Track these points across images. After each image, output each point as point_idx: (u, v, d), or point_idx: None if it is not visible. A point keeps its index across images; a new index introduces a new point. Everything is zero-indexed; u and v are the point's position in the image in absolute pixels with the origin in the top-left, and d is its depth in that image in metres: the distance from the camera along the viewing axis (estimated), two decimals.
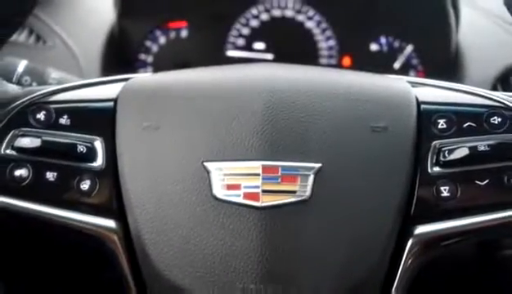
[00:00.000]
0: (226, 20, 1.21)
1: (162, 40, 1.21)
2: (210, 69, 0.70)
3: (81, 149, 0.63)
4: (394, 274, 0.60)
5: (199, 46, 1.21)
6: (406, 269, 0.61)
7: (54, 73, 0.86)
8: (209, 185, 0.59)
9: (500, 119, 0.63)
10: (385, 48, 1.20)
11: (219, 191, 0.59)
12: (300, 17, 1.21)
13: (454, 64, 1.15)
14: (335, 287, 0.59)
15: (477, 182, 0.61)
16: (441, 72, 1.10)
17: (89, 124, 0.64)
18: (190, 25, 1.21)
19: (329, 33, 1.20)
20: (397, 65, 1.20)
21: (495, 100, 0.65)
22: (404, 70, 1.19)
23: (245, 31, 1.21)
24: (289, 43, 1.21)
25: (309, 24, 1.21)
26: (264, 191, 0.59)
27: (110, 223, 0.62)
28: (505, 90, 1.08)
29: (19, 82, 0.82)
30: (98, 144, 0.64)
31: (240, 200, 0.59)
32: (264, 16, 1.21)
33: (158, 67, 1.21)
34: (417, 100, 0.65)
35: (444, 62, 1.16)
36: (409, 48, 1.19)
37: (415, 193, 0.61)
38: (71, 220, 0.62)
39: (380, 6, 1.18)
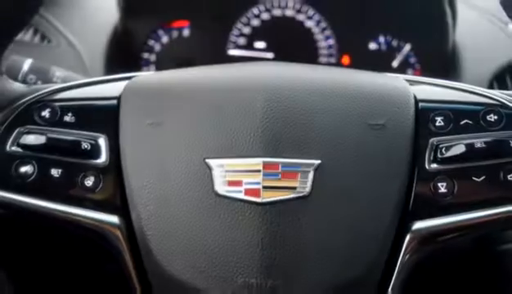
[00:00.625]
0: (227, 20, 1.21)
1: (165, 39, 1.22)
2: (212, 68, 0.71)
3: (85, 146, 0.63)
4: (392, 269, 0.61)
5: (201, 45, 1.21)
6: (404, 265, 0.61)
7: (59, 72, 0.86)
8: (211, 182, 0.60)
9: (496, 117, 0.64)
10: (383, 47, 1.20)
11: (221, 187, 0.60)
12: (300, 17, 1.21)
13: (451, 63, 1.16)
14: (335, 281, 0.59)
15: (473, 178, 0.62)
16: (438, 70, 1.10)
17: (93, 121, 0.65)
18: (193, 25, 1.22)
19: (328, 32, 1.21)
20: (395, 64, 1.20)
21: (491, 98, 0.66)
22: (402, 69, 1.20)
23: (246, 30, 1.22)
24: (290, 42, 1.22)
25: (309, 24, 1.21)
26: (265, 187, 0.59)
27: (114, 219, 0.62)
28: (501, 88, 1.08)
29: (24, 81, 0.83)
30: (102, 142, 0.64)
31: (242, 196, 0.59)
32: (265, 16, 1.22)
33: (161, 65, 1.22)
34: (415, 97, 0.65)
35: (441, 60, 1.16)
36: (407, 47, 1.20)
37: (413, 189, 0.62)
38: (75, 215, 0.63)
39: (379, 6, 1.19)
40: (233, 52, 1.22)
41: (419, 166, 0.62)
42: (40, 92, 0.67)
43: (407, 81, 0.68)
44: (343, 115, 0.63)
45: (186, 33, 1.22)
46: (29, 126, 0.65)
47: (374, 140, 0.62)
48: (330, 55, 1.22)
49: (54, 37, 1.13)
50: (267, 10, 1.21)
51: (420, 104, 0.65)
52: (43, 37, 1.14)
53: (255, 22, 1.22)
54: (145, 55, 1.22)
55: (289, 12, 1.21)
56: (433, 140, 0.63)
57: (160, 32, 1.22)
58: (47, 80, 0.85)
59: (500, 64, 1.10)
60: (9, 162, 0.64)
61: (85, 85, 0.69)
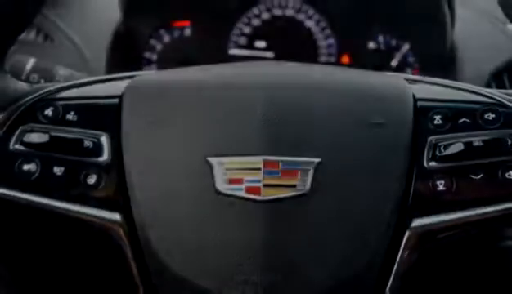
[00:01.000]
0: (228, 19, 1.22)
1: (166, 39, 1.23)
2: (213, 67, 0.71)
3: (87, 144, 0.64)
4: (391, 267, 0.61)
5: (202, 45, 1.22)
6: (403, 262, 0.62)
7: (61, 71, 0.86)
8: (212, 180, 0.60)
9: (494, 115, 0.64)
10: (383, 47, 1.21)
11: (222, 185, 0.60)
12: (300, 16, 1.22)
13: (449, 62, 1.16)
14: (334, 278, 0.60)
15: (472, 176, 0.62)
16: (437, 69, 1.10)
17: (95, 120, 0.65)
18: (194, 24, 1.22)
19: (328, 31, 1.21)
20: (394, 63, 1.20)
21: (489, 97, 0.66)
22: (401, 68, 1.20)
23: (247, 30, 1.22)
24: (290, 42, 1.23)
25: (309, 23, 1.22)
26: (265, 185, 0.60)
27: (116, 216, 0.63)
28: (498, 87, 1.09)
29: (27, 80, 0.83)
30: (104, 140, 0.65)
31: (242, 194, 0.60)
32: (265, 15, 1.22)
33: (162, 65, 1.22)
34: (414, 96, 0.66)
35: (440, 60, 1.17)
36: (406, 47, 1.20)
37: (412, 187, 0.62)
38: (77, 213, 0.63)
39: (378, 6, 1.19)
40: (234, 52, 1.23)
41: (418, 164, 0.63)
42: (43, 91, 0.68)
43: (406, 80, 0.69)
44: (343, 114, 0.63)
45: (187, 32, 1.23)
46: (32, 125, 0.66)
47: (373, 138, 0.62)
48: (330, 55, 1.22)
49: (57, 36, 1.14)
50: (268, 9, 1.22)
51: (419, 103, 0.65)
52: (46, 37, 1.14)
53: (256, 22, 1.22)
54: (147, 55, 1.23)
55: (289, 12, 1.22)
56: (432, 138, 0.64)
57: (162, 31, 1.23)
58: (50, 79, 0.85)
59: (498, 64, 1.10)
60: (12, 161, 0.64)
61: (87, 84, 0.69)
